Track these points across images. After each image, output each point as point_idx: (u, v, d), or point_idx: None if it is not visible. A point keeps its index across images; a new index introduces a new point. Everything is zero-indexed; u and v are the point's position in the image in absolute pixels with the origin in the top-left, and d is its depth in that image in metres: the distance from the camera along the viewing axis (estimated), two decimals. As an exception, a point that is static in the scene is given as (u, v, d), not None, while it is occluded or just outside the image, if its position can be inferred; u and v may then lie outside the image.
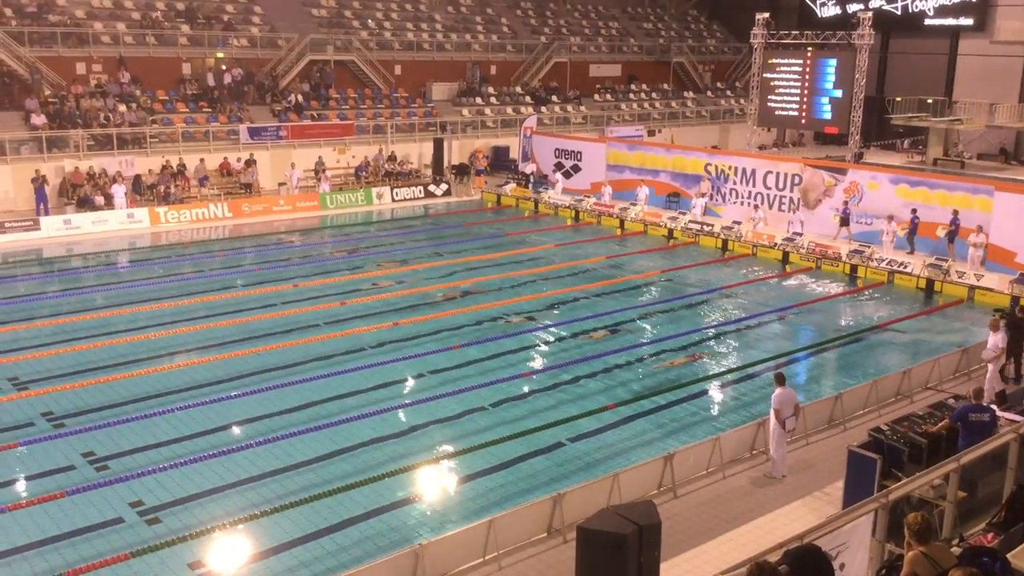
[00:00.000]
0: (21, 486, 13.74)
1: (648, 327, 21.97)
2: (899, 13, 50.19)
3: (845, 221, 30.27)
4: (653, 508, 9.43)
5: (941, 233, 28.32)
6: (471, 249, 29.69)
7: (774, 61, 41.43)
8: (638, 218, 33.40)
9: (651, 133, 48.36)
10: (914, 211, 28.72)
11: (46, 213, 31.09)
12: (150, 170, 34.27)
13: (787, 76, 41.01)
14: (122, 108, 35.60)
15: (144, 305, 22.40)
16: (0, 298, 23.49)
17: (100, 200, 32.17)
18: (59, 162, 33.08)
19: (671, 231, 32.03)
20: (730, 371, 19.01)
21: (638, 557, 8.75)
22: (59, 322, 21.14)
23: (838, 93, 39.43)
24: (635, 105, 51.94)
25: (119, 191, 32.16)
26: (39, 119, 33.41)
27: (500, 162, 43.99)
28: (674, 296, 24.80)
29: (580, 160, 39.43)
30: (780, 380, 14.10)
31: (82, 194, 32.36)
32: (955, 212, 27.93)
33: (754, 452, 14.77)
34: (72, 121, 34.10)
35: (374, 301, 23.19)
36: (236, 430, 15.76)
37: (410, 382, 17.98)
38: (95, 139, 34.11)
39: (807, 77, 40.24)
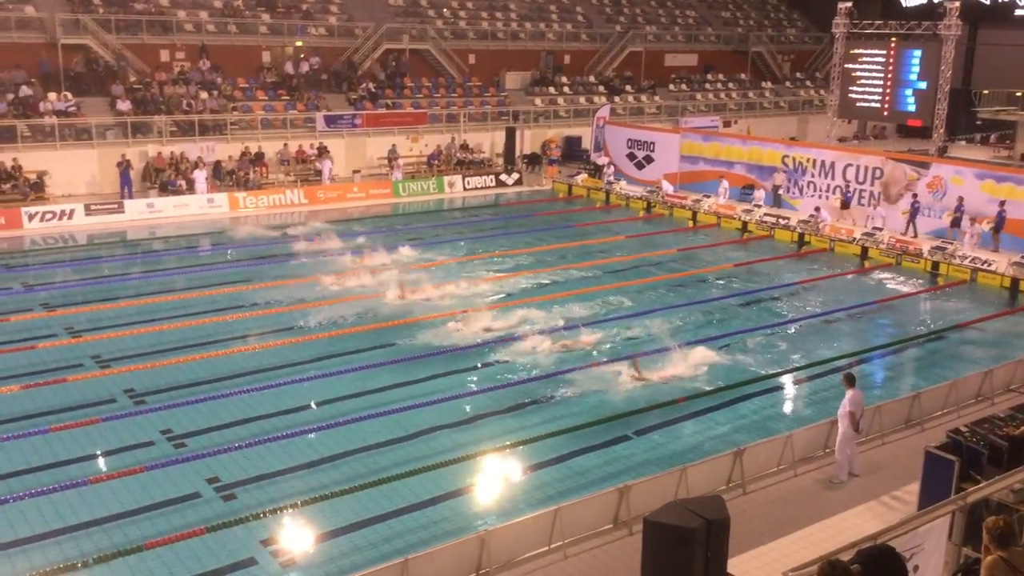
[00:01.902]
0: (102, 460, 14.22)
1: (718, 321, 21.69)
2: (987, 3, 48.51)
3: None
4: (722, 503, 9.30)
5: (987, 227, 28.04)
6: (540, 239, 29.67)
7: (856, 51, 40.47)
8: (711, 210, 32.97)
9: (727, 124, 47.67)
10: (1002, 203, 27.94)
11: (130, 196, 32.05)
12: (230, 156, 35.05)
13: (870, 67, 40.04)
14: (204, 95, 36.44)
15: (223, 288, 22.91)
16: (85, 278, 24.33)
17: (182, 184, 33.02)
18: (143, 147, 34.02)
19: (745, 224, 31.53)
20: (804, 367, 18.66)
21: (705, 552, 8.65)
22: (141, 303, 21.78)
23: (922, 85, 38.38)
24: (711, 95, 51.24)
25: (200, 176, 32.98)
26: (124, 105, 34.40)
27: (572, 152, 43.85)
28: (746, 290, 24.42)
29: (653, 151, 39.03)
30: (852, 381, 13.75)
31: (164, 178, 33.25)
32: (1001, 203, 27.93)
33: (827, 451, 14.47)
34: (156, 107, 35.03)
35: (443, 288, 23.30)
36: (309, 412, 16.06)
37: (477, 371, 18.02)
38: (177, 125, 34.99)
39: (890, 68, 39.23)
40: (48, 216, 29.76)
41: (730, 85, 52.84)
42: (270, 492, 13.17)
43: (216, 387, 16.80)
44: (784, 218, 31.28)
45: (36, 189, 31.25)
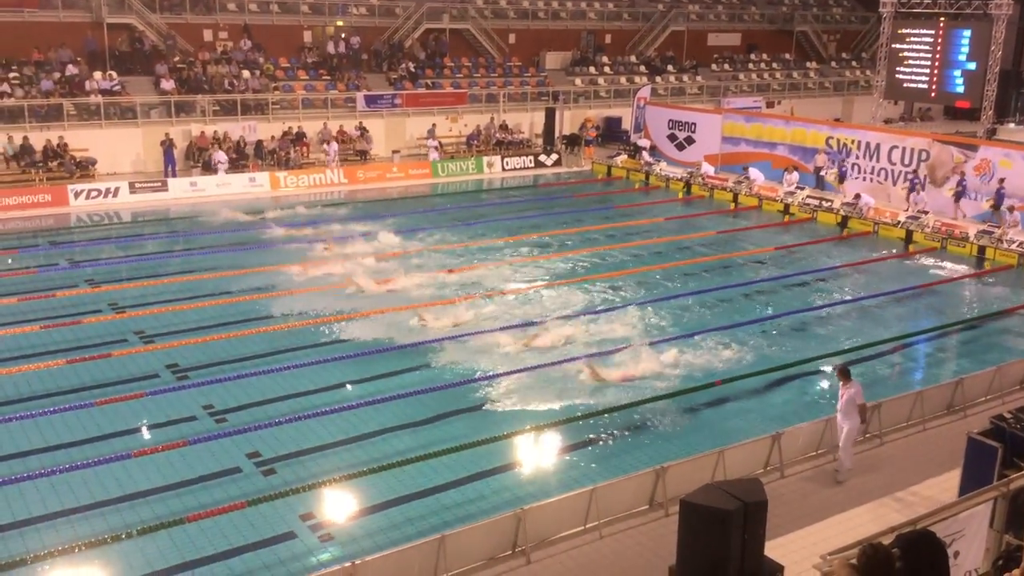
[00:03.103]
0: (146, 434, 14.49)
1: (758, 304, 21.51)
2: (1042, -20, 47.24)
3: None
4: (759, 486, 9.25)
5: (986, 206, 28.61)
6: (579, 220, 29.56)
7: (904, 31, 39.72)
8: (752, 192, 32.59)
9: (770, 105, 47.06)
10: (1001, 180, 28.58)
11: (173, 175, 32.45)
12: (272, 136, 35.29)
13: (917, 47, 39.28)
14: (246, 74, 36.69)
15: (264, 267, 23.05)
16: (130, 255, 24.70)
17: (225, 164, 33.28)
18: (186, 126, 34.38)
19: (787, 206, 31.15)
20: (844, 352, 18.42)
21: (742, 534, 8.62)
22: (184, 280, 22.06)
23: (971, 66, 37.57)
24: (754, 75, 50.56)
25: (221, 157, 32.99)
26: (168, 84, 34.75)
27: (612, 133, 43.56)
28: (786, 273, 24.15)
29: (694, 132, 38.67)
30: (848, 374, 13.24)
31: (207, 157, 33.57)
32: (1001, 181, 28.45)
33: (867, 435, 14.35)
34: (199, 87, 35.34)
35: (491, 268, 23.36)
36: (349, 389, 16.20)
37: (511, 354, 17.79)
38: (220, 104, 35.29)
39: (939, 48, 38.43)
40: (94, 194, 30.26)
41: (774, 65, 52.08)
42: (310, 468, 13.33)
43: (256, 363, 16.99)
44: (827, 200, 30.86)
45: (82, 167, 31.74)
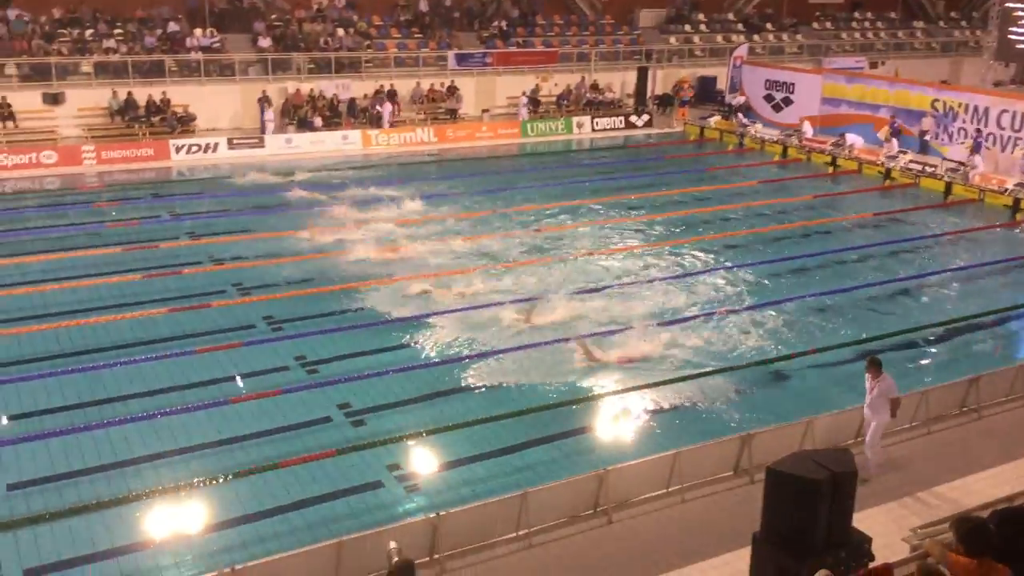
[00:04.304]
0: (241, 382, 14.96)
1: (854, 271, 20.92)
2: None
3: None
4: (849, 456, 9.06)
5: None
6: (669, 183, 29.15)
7: (1020, -12, 37.66)
8: (852, 156, 31.59)
9: (874, 65, 45.36)
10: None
11: (270, 132, 33.05)
12: (365, 94, 35.60)
13: (1034, 5, 37.23)
14: (340, 32, 37.03)
15: (354, 223, 23.34)
16: (229, 209, 25.32)
17: (318, 122, 33.79)
18: (282, 84, 34.94)
19: (888, 171, 30.11)
20: (940, 324, 17.81)
21: (830, 504, 8.48)
22: (278, 235, 22.50)
23: (1093, 25, 35.49)
24: (858, 34, 48.76)
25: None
26: (265, 42, 35.33)
27: (706, 93, 42.62)
28: (885, 240, 23.39)
29: (792, 92, 37.57)
30: (880, 366, 12.14)
31: (302, 115, 34.10)
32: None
33: (964, 409, 13.91)
34: (295, 44, 35.82)
35: (578, 230, 23.31)
36: (442, 345, 16.33)
37: (596, 316, 17.64)
38: (315, 62, 35.74)
39: (1058, 6, 36.39)
40: (194, 148, 31.12)
41: (879, 24, 50.11)
42: (397, 420, 13.61)
43: (347, 318, 17.36)
44: (931, 165, 29.74)
45: (183, 122, 32.61)
